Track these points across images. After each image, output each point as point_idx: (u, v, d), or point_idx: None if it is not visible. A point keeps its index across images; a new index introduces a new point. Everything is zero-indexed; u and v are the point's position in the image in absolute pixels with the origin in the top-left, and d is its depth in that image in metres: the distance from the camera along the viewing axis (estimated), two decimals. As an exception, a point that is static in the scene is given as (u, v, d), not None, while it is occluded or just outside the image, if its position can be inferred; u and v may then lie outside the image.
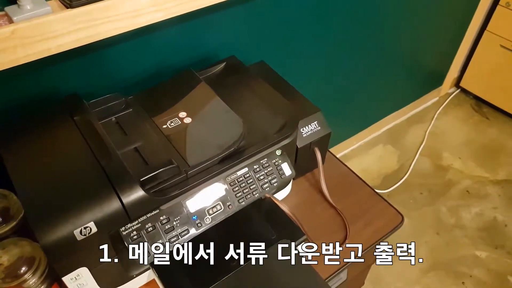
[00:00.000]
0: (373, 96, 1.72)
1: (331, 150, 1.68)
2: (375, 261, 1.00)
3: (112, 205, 0.57)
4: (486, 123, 2.00)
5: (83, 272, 0.61)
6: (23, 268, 0.61)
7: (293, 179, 0.89)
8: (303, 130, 0.84)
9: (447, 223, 1.60)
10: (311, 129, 0.85)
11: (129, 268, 0.67)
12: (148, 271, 0.70)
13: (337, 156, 1.74)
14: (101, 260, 0.61)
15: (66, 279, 0.60)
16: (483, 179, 1.75)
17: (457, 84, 2.15)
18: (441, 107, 2.07)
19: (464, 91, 2.14)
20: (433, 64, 1.94)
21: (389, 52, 1.59)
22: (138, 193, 0.59)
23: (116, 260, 0.63)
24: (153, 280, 0.72)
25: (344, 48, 1.38)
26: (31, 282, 0.61)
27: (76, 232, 0.55)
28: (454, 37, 1.89)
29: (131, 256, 0.62)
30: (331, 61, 1.39)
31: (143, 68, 0.90)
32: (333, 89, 1.51)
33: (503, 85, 1.92)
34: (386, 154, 1.85)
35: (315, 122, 0.85)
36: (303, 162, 0.87)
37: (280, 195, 0.84)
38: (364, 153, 1.85)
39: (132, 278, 0.69)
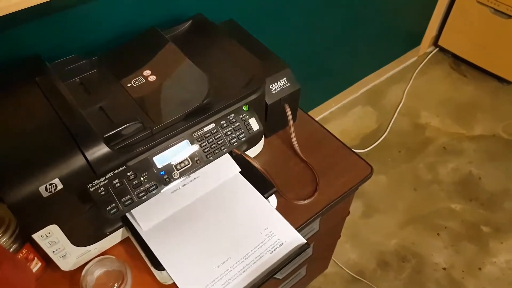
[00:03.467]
0: (351, 57, 1.72)
1: (310, 113, 1.70)
2: (348, 213, 1.04)
3: (76, 162, 0.58)
4: (463, 80, 2.03)
5: (54, 230, 0.62)
6: (-8, 228, 0.62)
7: (265, 137, 0.90)
8: (272, 86, 0.84)
9: (424, 179, 1.64)
10: (280, 86, 0.85)
11: (100, 225, 0.68)
12: (121, 229, 0.72)
13: (316, 119, 1.76)
14: (71, 216, 0.62)
15: (36, 236, 0.61)
16: (459, 135, 1.79)
17: (435, 43, 2.15)
18: (420, 67, 2.08)
19: (442, 50, 2.15)
20: (411, 24, 1.93)
21: (366, 11, 1.58)
22: (102, 149, 0.59)
23: (86, 217, 0.64)
24: (128, 237, 0.74)
25: (320, 8, 1.37)
26: (1, 241, 0.62)
27: (41, 189, 0.56)
28: (431, -6, 1.88)
29: (101, 212, 0.63)
30: (307, 21, 1.37)
31: (107, 29, 0.88)
32: (309, 51, 1.50)
33: (481, 42, 1.93)
34: (365, 115, 1.87)
35: (284, 79, 0.85)
36: (274, 119, 0.88)
37: (252, 152, 0.85)
38: (343, 115, 1.86)
39: (106, 235, 0.70)
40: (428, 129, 1.82)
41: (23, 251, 0.65)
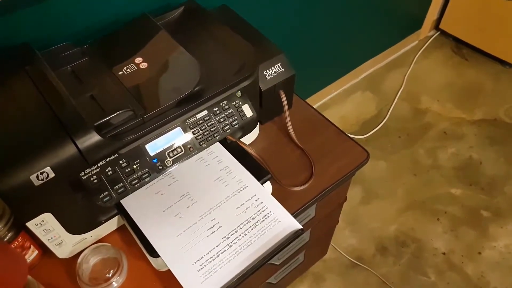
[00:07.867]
0: (350, 42, 1.70)
1: (310, 99, 1.69)
2: (346, 199, 1.03)
3: (67, 150, 0.58)
4: (465, 64, 2.00)
5: (48, 218, 0.62)
6: (-15, 217, 0.62)
7: (261, 124, 0.90)
8: (266, 73, 0.83)
9: (424, 164, 1.64)
10: (275, 72, 0.84)
11: (95, 213, 0.68)
12: (117, 217, 0.73)
13: (316, 105, 1.75)
14: (64, 205, 0.63)
15: (30, 225, 0.61)
16: (460, 120, 1.78)
17: (436, 26, 2.12)
18: (421, 51, 2.05)
19: (444, 33, 2.11)
20: (411, 7, 1.90)
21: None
22: (93, 137, 0.59)
23: (81, 205, 0.65)
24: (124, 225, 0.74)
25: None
26: (-4, 230, 0.62)
27: (33, 178, 0.56)
28: (432, -24, 1.85)
29: (94, 200, 0.63)
30: (304, 6, 1.35)
31: (98, 17, 0.87)
32: (308, 36, 1.48)
33: (483, 25, 1.90)
34: (364, 101, 1.85)
35: (279, 64, 0.84)
36: (269, 106, 0.87)
37: (248, 139, 0.85)
38: (343, 100, 1.85)
39: (101, 223, 0.71)
40: (429, 114, 1.80)
41: (19, 239, 0.66)
